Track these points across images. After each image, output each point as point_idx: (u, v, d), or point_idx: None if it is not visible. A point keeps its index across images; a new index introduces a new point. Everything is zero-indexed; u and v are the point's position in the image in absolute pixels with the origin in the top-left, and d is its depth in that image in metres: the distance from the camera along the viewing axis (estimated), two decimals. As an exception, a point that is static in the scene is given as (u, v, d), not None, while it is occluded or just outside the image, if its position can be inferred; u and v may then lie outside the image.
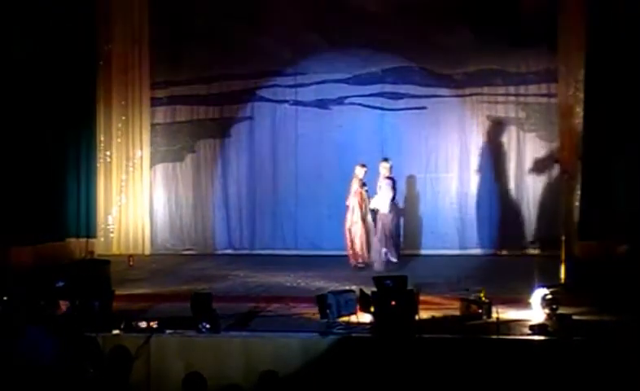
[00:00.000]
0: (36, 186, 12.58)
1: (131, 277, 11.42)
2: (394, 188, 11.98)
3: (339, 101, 13.97)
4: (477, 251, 13.44)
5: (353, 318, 8.01)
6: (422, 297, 8.54)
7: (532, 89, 13.45)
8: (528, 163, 13.42)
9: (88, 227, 13.89)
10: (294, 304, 9.17)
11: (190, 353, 7.63)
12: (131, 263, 12.67)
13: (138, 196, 14.40)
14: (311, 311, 8.42)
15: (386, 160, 12.23)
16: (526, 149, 13.46)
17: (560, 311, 7.94)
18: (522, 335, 7.61)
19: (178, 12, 14.30)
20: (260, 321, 8.41)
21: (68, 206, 13.60)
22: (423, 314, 8.00)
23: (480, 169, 13.62)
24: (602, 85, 12.22)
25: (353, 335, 7.67)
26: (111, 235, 14.31)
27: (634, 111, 11.68)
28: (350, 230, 12.07)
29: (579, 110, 12.80)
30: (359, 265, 11.94)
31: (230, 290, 10.43)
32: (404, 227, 13.08)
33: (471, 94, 13.67)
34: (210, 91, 14.32)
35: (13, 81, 12.18)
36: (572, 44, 13.02)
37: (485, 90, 13.62)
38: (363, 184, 12.07)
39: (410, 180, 13.67)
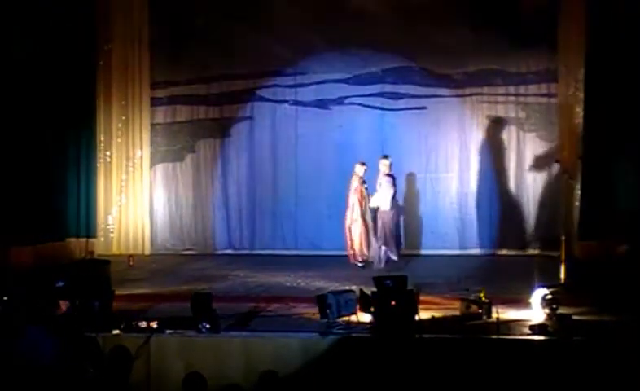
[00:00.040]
0: (36, 186, 12.59)
1: (131, 277, 11.42)
2: (394, 185, 12.00)
3: (339, 101, 13.96)
4: (477, 251, 13.44)
5: (353, 318, 8.01)
6: (422, 297, 8.55)
7: (532, 89, 13.44)
8: (528, 163, 13.43)
9: (88, 227, 13.89)
10: (294, 304, 9.17)
11: (190, 353, 7.63)
12: (131, 263, 12.67)
13: (138, 196, 14.40)
14: (311, 311, 8.42)
15: (386, 157, 12.25)
16: (526, 149, 13.46)
17: (560, 311, 7.93)
18: (522, 335, 7.61)
19: (178, 12, 14.29)
20: (260, 321, 8.41)
21: (68, 206, 13.61)
22: (423, 314, 7.99)
23: (480, 169, 13.62)
24: (602, 85, 12.23)
25: (353, 335, 7.68)
26: (111, 235, 14.31)
27: (634, 111, 11.68)
28: (350, 229, 12.08)
29: (579, 110, 12.80)
30: (359, 264, 11.95)
31: (230, 290, 10.43)
32: (404, 227, 13.08)
33: (471, 94, 13.66)
34: (210, 91, 14.32)
35: (13, 81, 12.18)
36: (571, 44, 13.03)
37: (485, 89, 13.61)
38: (363, 182, 12.10)
39: (410, 180, 13.67)
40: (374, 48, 13.76)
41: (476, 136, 13.66)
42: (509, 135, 13.56)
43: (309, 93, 14.03)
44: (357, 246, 12.05)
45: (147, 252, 14.23)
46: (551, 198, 12.91)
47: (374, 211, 12.07)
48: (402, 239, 12.76)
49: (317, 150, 13.97)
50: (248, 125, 14.27)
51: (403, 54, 13.71)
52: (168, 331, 7.79)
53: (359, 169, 12.11)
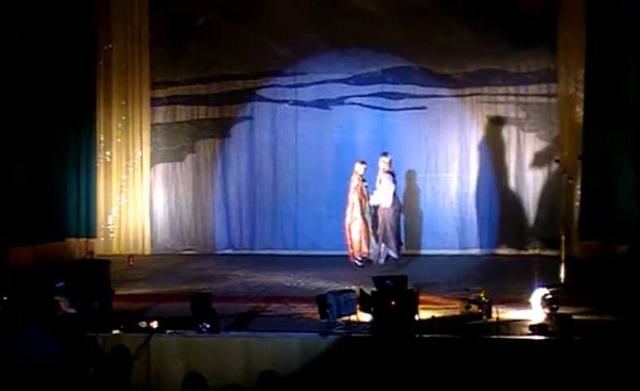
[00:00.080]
0: (36, 186, 12.59)
1: (131, 277, 11.41)
2: (395, 182, 12.04)
3: (339, 101, 13.97)
4: (477, 251, 13.45)
5: (353, 318, 8.01)
6: (422, 297, 8.55)
7: (532, 89, 13.44)
8: (528, 163, 13.43)
9: (88, 227, 13.90)
10: (294, 304, 9.16)
11: (190, 354, 7.61)
12: (131, 263, 12.66)
13: (138, 196, 14.40)
14: (311, 311, 8.41)
15: (385, 154, 12.31)
16: (526, 149, 13.46)
17: (560, 311, 7.93)
18: (522, 335, 7.60)
19: (178, 12, 14.30)
20: (260, 321, 8.39)
21: (68, 206, 13.61)
22: (423, 314, 7.99)
23: (480, 169, 13.62)
24: (602, 85, 12.22)
25: (353, 335, 7.67)
26: (111, 235, 14.31)
27: (634, 110, 11.67)
28: (350, 227, 12.09)
29: (579, 110, 12.80)
30: (358, 263, 11.96)
31: (230, 290, 10.41)
32: (404, 227, 13.08)
33: (471, 94, 13.66)
34: (210, 91, 14.33)
35: (13, 81, 12.18)
36: (571, 44, 13.03)
37: (485, 90, 13.61)
38: (363, 180, 12.11)
39: (410, 180, 13.67)
40: (374, 48, 13.76)
41: (476, 136, 13.66)
42: (509, 135, 13.56)
43: (309, 93, 14.03)
44: (356, 244, 12.06)
45: (147, 252, 14.23)
46: (551, 198, 12.92)
47: (375, 208, 12.09)
48: (403, 239, 12.78)
49: (317, 150, 13.98)
50: (248, 125, 14.28)
51: (403, 55, 13.72)
52: (168, 331, 7.78)
53: (359, 168, 12.13)
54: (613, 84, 12.03)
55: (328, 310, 7.82)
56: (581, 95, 12.72)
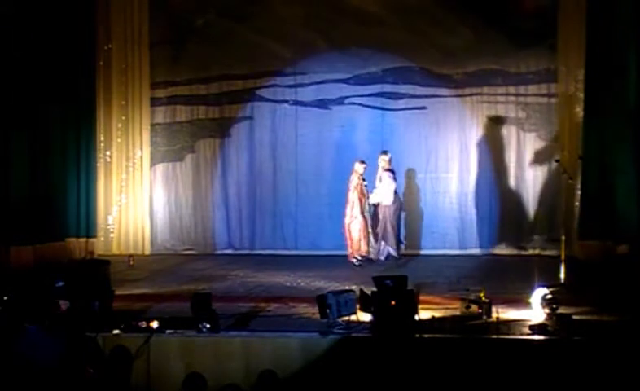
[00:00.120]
0: (36, 186, 12.58)
1: (131, 277, 11.41)
2: (395, 179, 12.05)
3: (339, 101, 13.96)
4: (477, 251, 13.45)
5: (353, 318, 8.01)
6: (422, 297, 8.55)
7: (532, 89, 13.44)
8: (528, 163, 13.43)
9: (88, 227, 13.90)
10: (294, 304, 9.16)
11: (190, 353, 7.62)
12: (131, 263, 12.65)
13: (138, 196, 14.40)
14: (311, 311, 8.41)
15: (385, 152, 12.35)
16: (526, 149, 13.46)
17: (560, 311, 7.93)
18: (522, 335, 7.60)
19: (178, 12, 14.30)
20: (260, 321, 8.39)
21: (68, 206, 13.60)
22: (423, 314, 7.99)
23: (480, 169, 13.62)
24: (602, 85, 12.22)
25: (353, 335, 7.67)
26: (111, 235, 14.31)
27: (634, 110, 11.67)
28: (350, 226, 12.11)
29: (579, 110, 12.81)
30: (357, 263, 11.96)
31: (230, 290, 10.41)
32: (404, 227, 13.09)
33: (471, 94, 13.66)
34: (210, 91, 14.32)
35: (13, 81, 12.17)
36: (571, 44, 13.03)
37: (485, 90, 13.61)
38: (363, 179, 12.13)
39: (410, 180, 13.67)
40: (374, 48, 13.76)
41: (476, 136, 13.66)
42: (509, 135, 13.56)
43: (309, 93, 14.03)
44: (355, 243, 12.08)
45: (147, 252, 14.23)
46: (551, 198, 12.92)
47: (374, 207, 12.10)
48: (403, 237, 12.79)
49: (317, 150, 13.98)
50: (248, 125, 14.28)
51: (403, 55, 13.72)
52: (168, 331, 7.78)
53: (359, 167, 12.16)
54: (613, 84, 12.03)
55: (328, 310, 7.82)
56: (581, 95, 12.73)
